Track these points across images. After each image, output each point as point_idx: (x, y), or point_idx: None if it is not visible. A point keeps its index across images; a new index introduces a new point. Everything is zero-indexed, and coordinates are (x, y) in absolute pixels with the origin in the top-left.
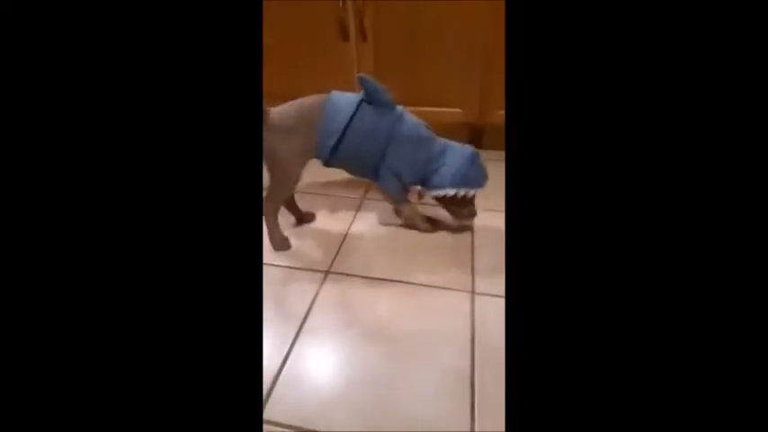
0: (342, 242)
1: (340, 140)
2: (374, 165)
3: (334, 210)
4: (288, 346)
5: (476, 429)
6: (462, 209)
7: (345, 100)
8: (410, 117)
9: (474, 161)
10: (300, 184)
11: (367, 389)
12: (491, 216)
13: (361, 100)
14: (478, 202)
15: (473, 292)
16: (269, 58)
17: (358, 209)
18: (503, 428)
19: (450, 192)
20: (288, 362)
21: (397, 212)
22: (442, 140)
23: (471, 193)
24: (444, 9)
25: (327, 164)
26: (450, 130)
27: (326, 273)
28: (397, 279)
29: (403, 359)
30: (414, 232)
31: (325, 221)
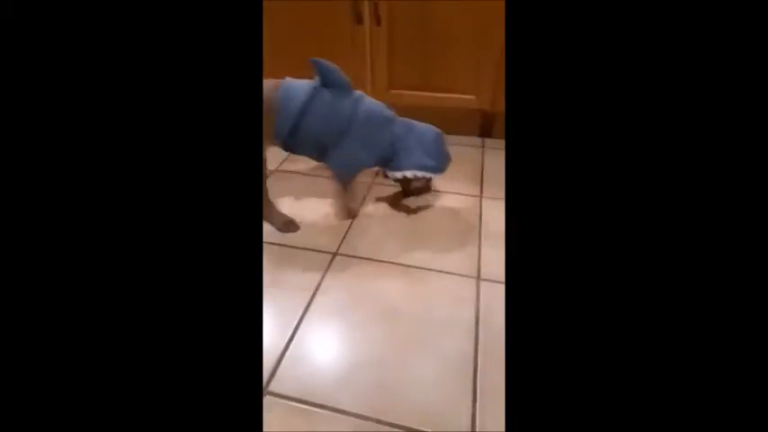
0: (350, 225)
1: (297, 124)
2: (334, 146)
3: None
4: (295, 324)
5: (477, 414)
6: (420, 188)
7: (300, 84)
8: (369, 99)
9: (437, 143)
10: (308, 168)
11: (371, 370)
12: (498, 204)
13: (317, 85)
14: (468, 188)
15: (479, 277)
16: (283, 40)
17: (367, 192)
18: (504, 413)
19: (409, 174)
20: (294, 339)
21: (338, 193)
22: (404, 121)
23: (429, 176)
24: None
25: (287, 149)
26: (462, 117)
27: (334, 254)
28: (404, 263)
29: (407, 342)
30: (422, 217)
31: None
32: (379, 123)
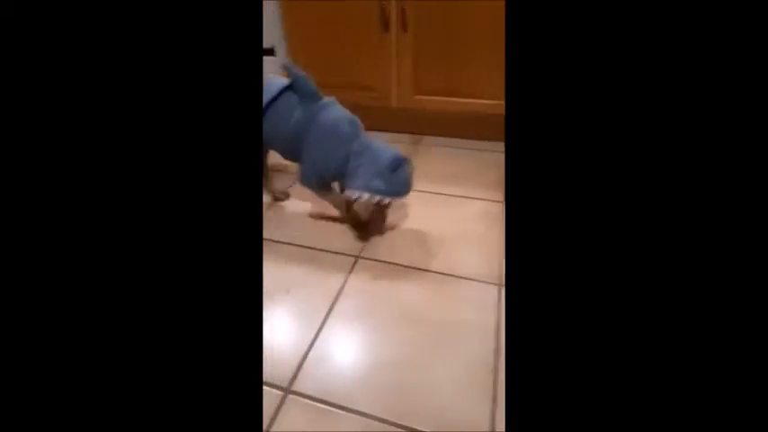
0: (373, 228)
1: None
2: (299, 150)
3: None
4: (318, 325)
5: (496, 420)
6: (374, 214)
7: (272, 83)
8: (337, 110)
9: (392, 166)
10: None
11: (390, 373)
12: None
13: (288, 85)
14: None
15: (500, 284)
16: (311, 46)
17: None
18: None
19: (355, 195)
20: (317, 340)
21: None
22: (367, 139)
23: (384, 200)
24: (485, 1)
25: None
26: (487, 122)
27: (357, 258)
28: (426, 268)
29: (427, 347)
30: (445, 222)
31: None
32: (336, 135)
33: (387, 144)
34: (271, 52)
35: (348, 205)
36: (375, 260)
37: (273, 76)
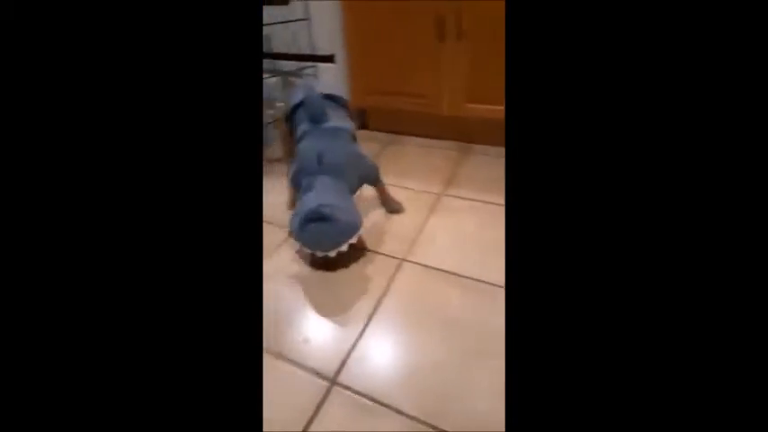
0: (419, 233)
1: (296, 110)
2: None
3: (413, 203)
4: (363, 323)
5: None
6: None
7: (301, 91)
8: (317, 141)
9: (306, 222)
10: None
11: (431, 376)
12: None
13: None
14: None
15: None
16: (369, 55)
17: (436, 204)
18: None
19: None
20: (362, 337)
21: None
22: (319, 181)
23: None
24: None
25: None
26: None
27: (402, 261)
28: (469, 276)
29: (468, 352)
30: (490, 232)
31: (404, 214)
32: (301, 163)
33: (323, 193)
34: (331, 59)
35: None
36: (420, 264)
37: (310, 88)
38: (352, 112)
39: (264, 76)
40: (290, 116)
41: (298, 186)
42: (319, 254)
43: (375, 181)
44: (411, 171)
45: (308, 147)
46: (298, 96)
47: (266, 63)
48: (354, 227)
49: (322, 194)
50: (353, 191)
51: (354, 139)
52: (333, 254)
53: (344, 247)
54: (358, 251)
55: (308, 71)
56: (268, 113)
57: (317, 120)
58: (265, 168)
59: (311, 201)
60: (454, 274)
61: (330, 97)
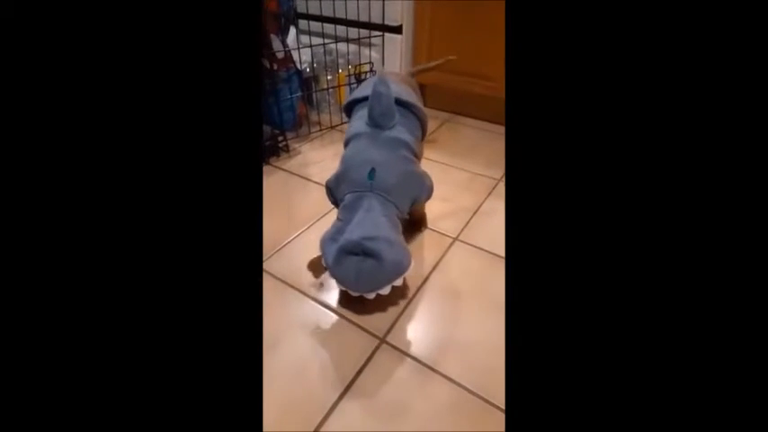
0: (472, 215)
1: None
2: None
3: (471, 184)
4: (413, 291)
5: None
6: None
7: (365, 87)
8: (372, 151)
9: (344, 253)
10: (443, 157)
11: (481, 352)
12: None
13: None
14: None
15: None
16: (437, 29)
17: (493, 188)
18: None
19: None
20: (413, 301)
21: None
22: (367, 202)
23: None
24: None
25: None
26: None
27: (454, 239)
28: None
29: None
30: None
31: (461, 195)
32: (348, 173)
33: (369, 220)
34: (398, 30)
35: None
36: (471, 245)
37: (383, 84)
38: (425, 125)
39: (328, 41)
40: (349, 107)
41: (336, 199)
42: (353, 293)
43: (425, 200)
44: (470, 153)
45: (360, 155)
46: (365, 90)
47: (331, 29)
48: (401, 267)
49: (367, 222)
50: (403, 214)
51: (417, 155)
52: (371, 296)
53: (386, 291)
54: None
55: (375, 41)
56: (326, 80)
57: (379, 124)
58: (319, 135)
59: (353, 229)
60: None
61: (402, 104)
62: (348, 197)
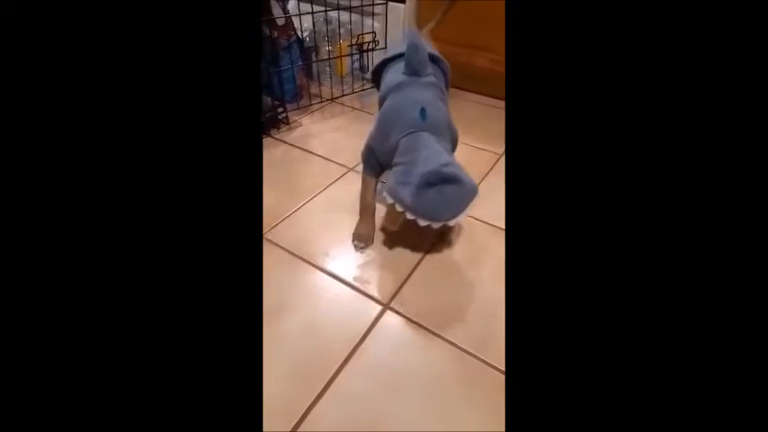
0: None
1: (386, 65)
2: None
3: (472, 158)
4: (418, 259)
5: None
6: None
7: (399, 47)
8: (420, 92)
9: (429, 183)
10: None
11: (486, 318)
12: None
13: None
14: None
15: None
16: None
17: (495, 163)
18: None
19: (386, 197)
20: (415, 272)
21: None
22: (429, 139)
23: (407, 216)
24: None
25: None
26: None
27: None
28: None
29: None
30: None
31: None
32: (399, 117)
33: (446, 152)
34: (401, 0)
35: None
36: (477, 219)
37: (416, 36)
38: (449, 79)
39: (329, 9)
40: (377, 71)
41: (379, 159)
42: (435, 225)
43: (453, 150)
44: (472, 128)
45: (408, 97)
46: (393, 51)
47: None
48: (476, 188)
49: (435, 153)
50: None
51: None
52: (453, 223)
53: (464, 216)
54: None
55: (378, 9)
56: (326, 50)
57: (417, 72)
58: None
59: (426, 163)
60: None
61: (430, 57)
62: (404, 141)
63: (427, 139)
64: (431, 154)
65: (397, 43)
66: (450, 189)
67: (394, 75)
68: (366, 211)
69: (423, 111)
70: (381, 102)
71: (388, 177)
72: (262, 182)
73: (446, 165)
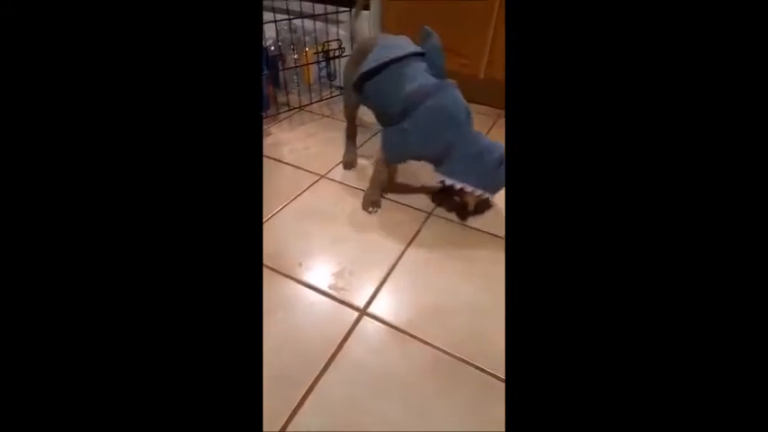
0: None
1: (375, 73)
2: (395, 117)
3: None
4: (392, 263)
5: None
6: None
7: (402, 42)
8: (457, 94)
9: (495, 166)
10: None
11: (462, 316)
12: None
13: (417, 53)
14: None
15: None
16: (418, 11)
17: None
18: None
19: (456, 184)
20: (392, 273)
21: (374, 174)
22: (474, 133)
23: (479, 193)
24: None
25: (358, 94)
26: None
27: (429, 214)
28: (500, 234)
29: (497, 300)
30: None
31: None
32: (450, 119)
33: (491, 141)
34: (366, 6)
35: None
36: (448, 219)
37: (403, 38)
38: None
39: (292, 17)
40: (361, 82)
41: (443, 148)
42: (477, 192)
43: None
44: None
45: (452, 99)
46: (401, 48)
47: (295, 5)
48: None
49: (488, 141)
50: None
51: None
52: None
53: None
54: (385, 200)
55: (342, 17)
56: (292, 59)
57: (441, 74)
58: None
59: (492, 145)
60: (484, 231)
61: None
62: (465, 137)
63: (477, 132)
64: (489, 142)
65: (372, 57)
66: (503, 166)
67: (420, 77)
68: (375, 181)
69: (466, 111)
70: (414, 102)
71: (451, 168)
72: (262, 182)
73: (501, 147)
